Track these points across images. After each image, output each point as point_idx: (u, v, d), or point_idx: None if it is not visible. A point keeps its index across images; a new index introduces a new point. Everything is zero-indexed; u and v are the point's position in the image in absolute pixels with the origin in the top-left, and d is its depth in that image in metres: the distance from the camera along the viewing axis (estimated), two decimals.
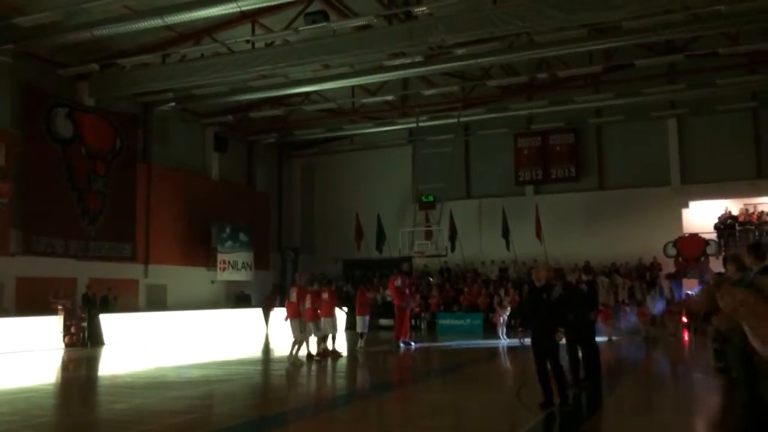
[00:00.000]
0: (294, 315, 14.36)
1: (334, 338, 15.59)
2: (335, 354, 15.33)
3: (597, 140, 27.35)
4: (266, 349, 19.33)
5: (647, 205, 25.25)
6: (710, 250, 23.07)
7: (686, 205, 25.10)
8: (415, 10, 17.26)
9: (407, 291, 18.81)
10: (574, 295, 10.41)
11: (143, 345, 18.82)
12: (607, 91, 24.36)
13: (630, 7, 15.36)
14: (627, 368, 14.49)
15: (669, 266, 23.99)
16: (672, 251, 23.79)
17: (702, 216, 24.67)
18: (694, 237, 23.64)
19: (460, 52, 19.54)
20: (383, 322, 23.88)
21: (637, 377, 13.18)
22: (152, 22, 16.73)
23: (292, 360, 13.99)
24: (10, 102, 19.34)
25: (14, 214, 19.17)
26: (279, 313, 15.86)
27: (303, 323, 14.29)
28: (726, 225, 24.21)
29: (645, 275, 24.64)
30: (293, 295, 14.56)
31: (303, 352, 14.46)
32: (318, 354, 14.83)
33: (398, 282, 18.54)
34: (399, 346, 17.89)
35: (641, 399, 10.38)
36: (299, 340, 14.22)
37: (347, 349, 17.54)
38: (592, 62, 21.80)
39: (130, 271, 22.93)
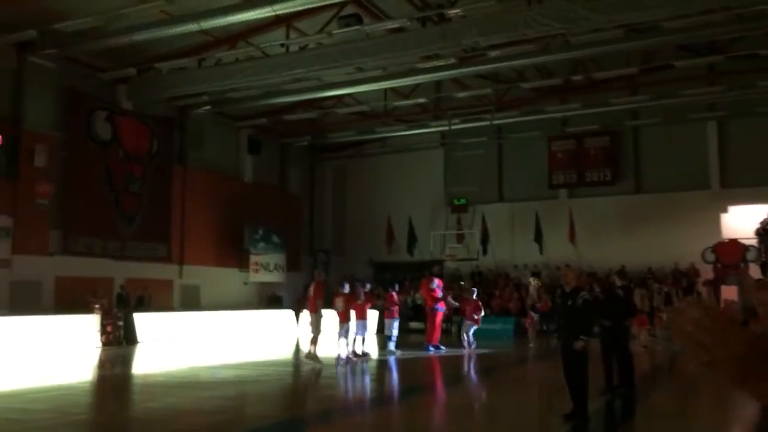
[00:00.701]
0: (310, 310, 14.45)
1: (364, 340, 15.60)
2: (365, 356, 15.34)
3: (633, 143, 26.89)
4: (297, 350, 19.43)
5: (685, 209, 24.73)
6: (750, 256, 22.49)
7: (725, 210, 24.51)
8: (449, 12, 17.21)
9: (441, 294, 18.76)
10: (610, 301, 10.26)
11: (177, 344, 19.09)
12: (644, 93, 23.94)
13: (668, 8, 15.08)
14: (662, 375, 14.19)
15: (707, 272, 23.46)
16: (710, 257, 23.25)
17: (742, 221, 24.02)
18: (734, 242, 23.06)
19: (493, 54, 19.41)
20: (413, 325, 23.81)
21: (672, 385, 12.90)
22: (189, 27, 17.01)
23: (310, 356, 14.03)
24: (52, 105, 19.84)
25: (54, 214, 19.66)
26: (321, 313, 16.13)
27: (318, 318, 14.30)
28: (767, 230, 23.56)
29: (681, 281, 24.13)
30: (311, 291, 14.65)
31: (319, 350, 14.48)
32: (349, 355, 14.85)
33: (433, 284, 18.51)
34: (429, 350, 17.83)
35: (675, 407, 10.15)
36: (315, 335, 14.25)
37: (377, 351, 17.54)
38: (628, 63, 21.44)
39: (165, 271, 23.30)
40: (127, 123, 22.18)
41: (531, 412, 9.39)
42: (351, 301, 14.90)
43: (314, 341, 14.26)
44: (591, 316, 8.45)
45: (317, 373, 13.25)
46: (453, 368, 15.41)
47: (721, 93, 22.93)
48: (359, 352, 15.36)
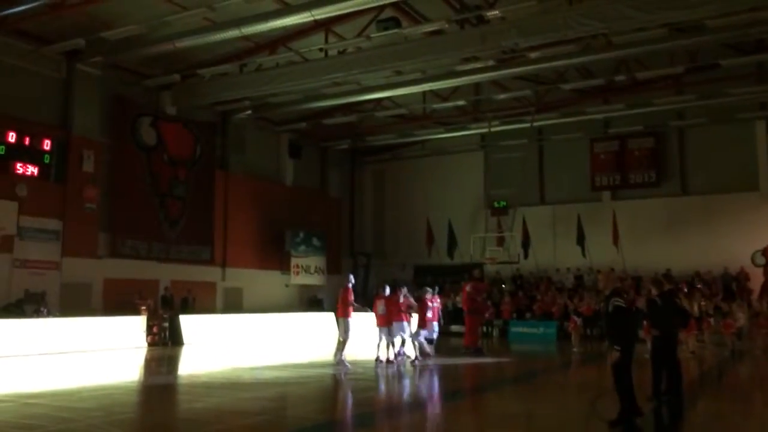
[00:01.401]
0: (340, 314, 14.48)
1: (403, 343, 15.59)
2: (404, 358, 15.33)
3: (679, 144, 26.28)
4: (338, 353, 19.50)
5: (733, 211, 24.05)
6: None
7: None
8: (488, 14, 17.08)
9: (478, 298, 18.64)
10: (657, 308, 9.99)
11: (220, 346, 19.39)
12: (689, 93, 23.36)
13: (713, 5, 14.70)
14: (710, 382, 13.81)
15: (757, 276, 22.75)
16: (761, 260, 22.59)
17: None
18: None
19: (533, 55, 19.19)
20: (454, 328, 23.69)
21: (720, 392, 12.54)
22: (230, 33, 17.28)
23: (337, 360, 14.06)
24: (98, 112, 20.38)
25: (101, 218, 20.18)
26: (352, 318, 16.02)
27: (348, 323, 14.31)
28: None
29: (731, 285, 23.46)
30: (341, 297, 14.68)
31: (346, 354, 14.49)
32: (389, 359, 14.86)
33: (469, 288, 18.43)
34: (468, 353, 17.74)
35: (722, 414, 9.85)
36: (343, 340, 14.28)
37: (417, 355, 17.49)
38: (673, 63, 20.96)
39: (209, 273, 23.68)
40: (171, 128, 22.65)
41: (574, 419, 9.24)
42: (391, 304, 14.90)
43: (341, 347, 14.27)
44: (624, 324, 8.00)
45: (347, 377, 13.23)
46: (495, 373, 15.28)
47: None
48: (399, 354, 15.35)
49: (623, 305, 8.00)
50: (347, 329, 14.24)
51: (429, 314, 16.29)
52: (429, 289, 16.78)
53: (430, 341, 16.21)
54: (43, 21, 17.71)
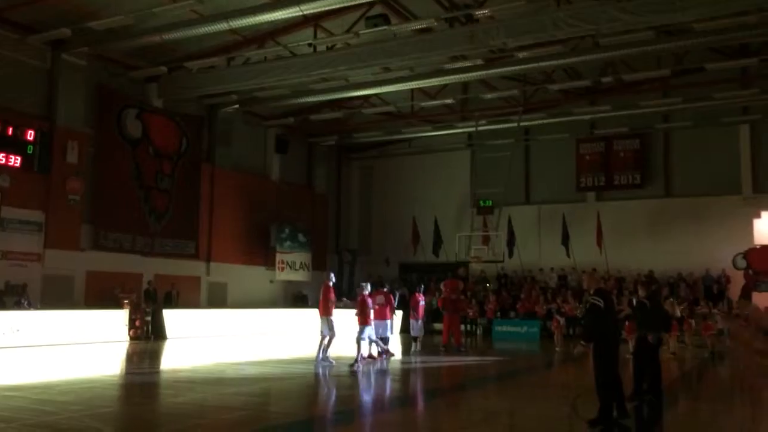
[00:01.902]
0: (323, 313, 14.29)
1: (386, 340, 15.59)
2: (388, 356, 15.34)
3: (664, 146, 26.52)
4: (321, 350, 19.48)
5: (716, 214, 24.31)
6: None
7: (758, 215, 23.98)
8: (477, 13, 17.15)
9: (453, 296, 18.78)
10: (646, 310, 10.10)
11: (204, 341, 19.30)
12: (675, 96, 23.58)
13: (700, 9, 14.85)
14: (690, 383, 13.96)
15: (738, 279, 23.02)
16: (741, 263, 22.83)
17: None
18: (766, 249, 22.60)
19: (521, 55, 19.27)
20: (437, 326, 23.76)
21: (700, 393, 12.68)
22: (218, 26, 17.19)
23: (321, 358, 13.98)
24: (83, 103, 20.18)
25: (85, 210, 20.00)
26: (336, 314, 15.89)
27: (331, 321, 14.15)
28: None
29: (712, 288, 23.71)
30: (322, 295, 14.51)
31: (331, 351, 14.40)
32: (370, 356, 14.86)
33: (441, 286, 18.64)
34: (448, 351, 17.83)
35: (701, 414, 9.97)
36: (324, 337, 14.16)
37: (401, 352, 17.53)
38: (660, 66, 21.13)
39: (193, 268, 23.56)
40: (157, 121, 22.48)
41: (555, 417, 9.30)
42: (372, 301, 14.87)
43: (325, 344, 14.15)
44: (595, 321, 8.10)
45: (332, 373, 13.23)
46: (476, 371, 15.34)
47: (755, 96, 22.50)
48: (380, 352, 15.35)
49: (600, 304, 8.04)
50: (331, 327, 14.18)
51: (372, 313, 15.00)
52: (365, 284, 15.42)
53: (385, 340, 15.91)
54: (29, 10, 17.53)
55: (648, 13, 15.04)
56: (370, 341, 14.71)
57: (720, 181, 24.96)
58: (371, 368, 14.16)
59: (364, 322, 14.24)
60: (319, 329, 14.14)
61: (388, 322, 15.75)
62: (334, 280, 14.77)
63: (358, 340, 14.14)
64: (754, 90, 22.35)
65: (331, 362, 13.89)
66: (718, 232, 23.92)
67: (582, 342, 8.04)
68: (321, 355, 14.05)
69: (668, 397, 10.58)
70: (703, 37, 17.46)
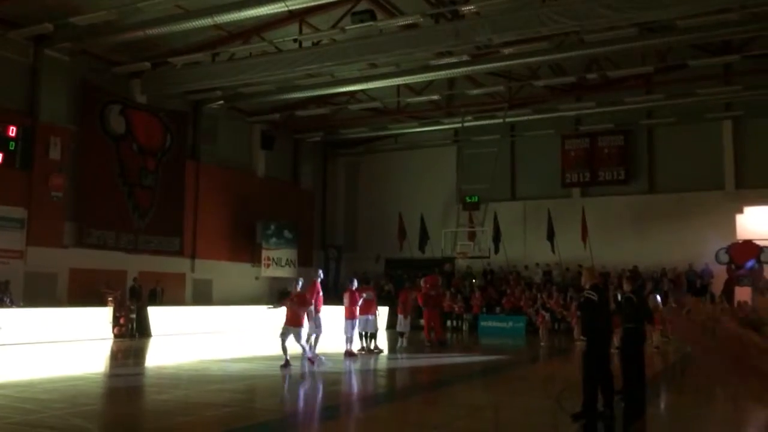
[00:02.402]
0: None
1: (374, 336, 15.61)
2: (376, 350, 15.37)
3: (648, 142, 26.71)
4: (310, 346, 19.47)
5: (699, 209, 24.52)
6: (765, 257, 22.28)
7: (740, 211, 24.26)
8: (462, 9, 17.15)
9: (432, 292, 18.88)
10: (632, 304, 10.19)
11: (189, 338, 19.22)
12: (659, 92, 23.75)
13: (684, 6, 14.95)
14: (673, 377, 14.10)
15: (721, 273, 23.27)
16: (724, 258, 23.08)
17: (757, 222, 23.80)
18: (748, 243, 22.87)
19: (507, 51, 19.34)
20: (422, 322, 23.79)
21: (683, 386, 12.81)
22: (203, 21, 17.09)
23: (309, 355, 13.97)
24: (66, 98, 19.97)
25: (68, 207, 19.82)
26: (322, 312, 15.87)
27: (318, 318, 14.11)
28: None
29: (696, 282, 23.95)
30: (307, 291, 14.44)
31: (319, 348, 14.43)
32: (359, 350, 14.89)
33: (421, 282, 18.71)
34: (432, 346, 17.93)
35: (684, 408, 10.08)
36: (311, 334, 14.15)
37: (387, 348, 17.56)
38: (644, 62, 21.28)
39: (178, 265, 23.43)
40: (141, 117, 22.31)
41: (539, 411, 9.37)
42: (355, 297, 14.91)
43: (312, 341, 14.14)
44: (590, 316, 8.23)
45: (321, 369, 13.24)
46: (461, 366, 15.40)
47: (737, 93, 22.72)
48: (365, 347, 15.38)
49: (594, 298, 8.13)
50: (318, 324, 14.19)
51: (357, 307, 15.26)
52: (352, 280, 15.77)
53: (373, 335, 15.90)
54: (11, 4, 17.33)
55: (632, 9, 15.13)
56: (359, 335, 14.81)
57: (703, 177, 25.19)
58: (354, 364, 14.17)
59: (351, 315, 14.30)
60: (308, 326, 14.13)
61: (371, 317, 15.79)
62: (322, 276, 14.80)
63: (347, 334, 14.26)
64: (736, 86, 22.56)
65: (321, 359, 13.89)
66: (702, 227, 24.14)
67: (582, 337, 8.08)
68: (309, 353, 14.03)
69: (652, 390, 10.68)
70: (686, 33, 17.60)
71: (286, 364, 12.55)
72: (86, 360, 14.47)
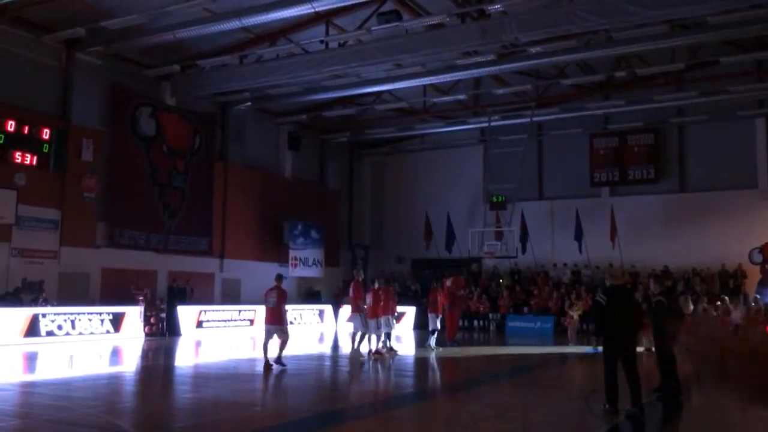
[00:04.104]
0: (353, 310, 14.58)
1: (389, 336, 15.62)
2: (392, 352, 15.40)
3: (678, 141, 26.29)
4: (335, 344, 19.58)
5: (732, 208, 24.07)
6: None
7: None
8: (489, 8, 17.06)
9: (458, 293, 18.82)
10: (663, 308, 10.11)
11: (218, 337, 19.42)
12: (690, 90, 23.34)
13: (715, 2, 14.68)
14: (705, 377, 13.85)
15: (755, 273, 22.80)
16: (758, 258, 22.60)
17: None
18: None
19: (534, 50, 19.17)
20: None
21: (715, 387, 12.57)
22: (230, 24, 17.25)
23: (353, 353, 14.17)
24: (98, 101, 20.33)
25: (100, 208, 20.17)
26: (347, 310, 16.03)
27: (364, 317, 14.40)
28: None
29: (728, 282, 23.50)
30: (351, 291, 14.79)
31: (364, 347, 14.58)
32: (377, 351, 14.92)
33: (449, 283, 18.60)
34: (452, 345, 17.89)
35: (718, 410, 9.91)
36: (356, 332, 14.44)
37: (416, 346, 17.55)
38: (674, 59, 20.92)
39: (207, 264, 23.70)
40: (171, 119, 22.61)
41: (568, 412, 9.29)
42: (376, 296, 14.98)
43: (357, 339, 14.39)
44: (600, 317, 8.65)
45: (360, 369, 13.31)
46: (489, 366, 15.33)
47: None
48: (386, 347, 15.38)
49: (602, 300, 8.51)
50: (363, 322, 14.39)
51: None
52: (376, 280, 15.68)
53: (388, 335, 15.90)
54: (44, 9, 17.66)
55: (661, 6, 14.91)
56: (377, 336, 14.88)
57: (736, 175, 24.71)
58: (384, 363, 14.19)
59: (373, 314, 14.44)
60: (352, 325, 14.48)
61: (388, 317, 15.76)
62: (362, 276, 14.96)
63: (372, 333, 14.41)
64: None
65: (363, 356, 14.03)
66: (734, 226, 23.67)
67: (594, 336, 8.33)
68: (353, 351, 14.21)
69: (685, 391, 10.52)
70: (717, 30, 17.27)
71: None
72: (118, 358, 14.71)
